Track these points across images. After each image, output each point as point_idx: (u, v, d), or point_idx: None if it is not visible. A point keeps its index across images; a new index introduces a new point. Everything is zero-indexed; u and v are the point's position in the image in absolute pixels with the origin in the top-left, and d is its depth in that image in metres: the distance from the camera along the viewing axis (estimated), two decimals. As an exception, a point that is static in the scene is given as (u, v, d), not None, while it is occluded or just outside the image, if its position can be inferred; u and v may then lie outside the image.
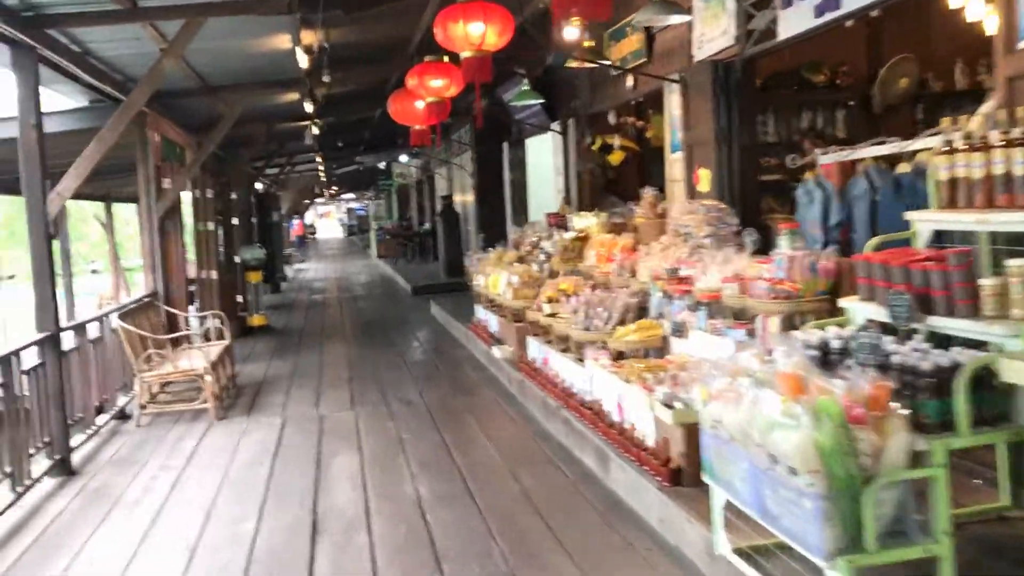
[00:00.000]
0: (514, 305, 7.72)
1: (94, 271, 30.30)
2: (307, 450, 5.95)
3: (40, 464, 5.42)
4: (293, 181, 29.73)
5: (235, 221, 14.59)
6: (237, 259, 12.91)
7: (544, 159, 11.51)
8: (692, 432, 4.15)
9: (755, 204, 6.26)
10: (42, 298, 5.45)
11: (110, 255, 18.46)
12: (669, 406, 4.27)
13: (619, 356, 5.36)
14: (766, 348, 3.81)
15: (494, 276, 8.52)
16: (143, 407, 6.99)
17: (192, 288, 12.61)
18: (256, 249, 12.61)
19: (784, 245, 4.75)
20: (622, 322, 5.57)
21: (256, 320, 12.49)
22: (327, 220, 73.49)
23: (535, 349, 6.89)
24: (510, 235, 13.11)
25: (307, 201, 46.45)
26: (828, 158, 5.47)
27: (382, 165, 28.45)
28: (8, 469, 4.85)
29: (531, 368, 6.77)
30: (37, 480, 5.26)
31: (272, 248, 18.97)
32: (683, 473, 4.24)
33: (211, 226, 11.82)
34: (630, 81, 7.99)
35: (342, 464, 5.60)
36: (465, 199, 17.73)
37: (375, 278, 21.43)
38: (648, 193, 6.96)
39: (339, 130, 15.79)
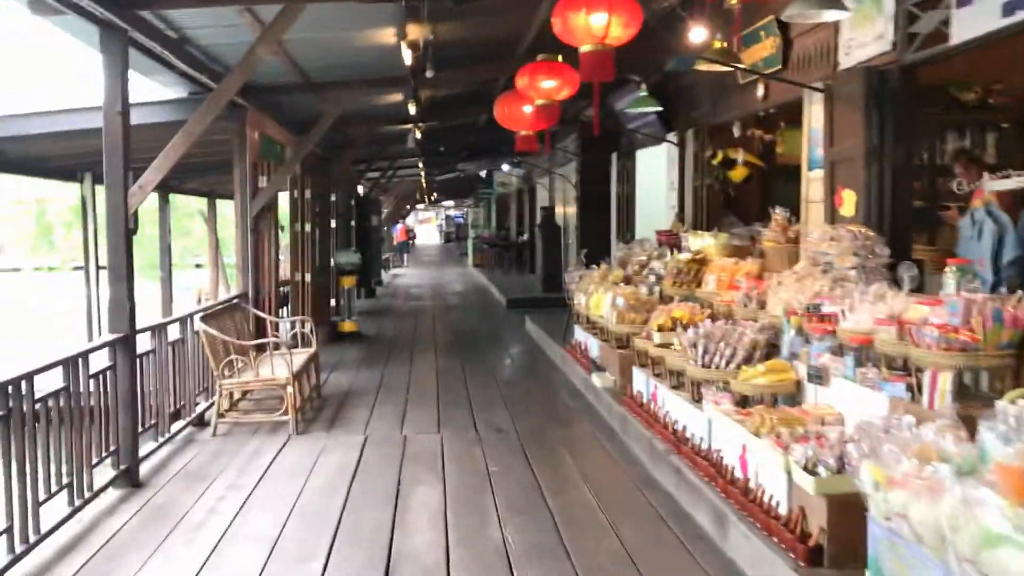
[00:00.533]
0: (619, 330, 7.06)
1: (198, 265, 31.02)
2: (387, 477, 5.43)
3: (105, 473, 5.07)
4: (394, 186, 29.77)
5: (333, 224, 14.38)
6: (332, 263, 12.66)
7: (655, 173, 10.81)
8: (840, 507, 3.44)
9: (907, 233, 5.44)
10: (117, 297, 5.11)
11: (210, 251, 18.65)
12: (811, 471, 3.56)
13: (743, 401, 4.64)
14: (936, 410, 3.07)
15: (597, 296, 7.89)
16: (221, 415, 6.63)
17: (284, 290, 12.43)
18: (352, 254, 12.32)
19: (951, 285, 3.98)
20: (748, 360, 4.85)
21: (347, 326, 12.18)
22: (427, 226, 74.22)
23: (641, 382, 6.21)
24: (614, 252, 12.47)
25: (408, 206, 46.77)
26: (1005, 184, 4.64)
27: (483, 173, 28.16)
28: (67, 480, 4.48)
29: (636, 403, 6.10)
30: (100, 491, 4.90)
31: (370, 252, 18.79)
32: (824, 553, 3.52)
33: (308, 228, 11.57)
34: (760, 90, 7.24)
35: (423, 498, 5.05)
36: (566, 211, 17.13)
37: (470, 287, 21.06)
38: (778, 214, 6.21)
39: (442, 135, 15.44)
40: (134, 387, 5.26)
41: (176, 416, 6.49)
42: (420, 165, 21.11)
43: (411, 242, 53.63)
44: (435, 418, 7.08)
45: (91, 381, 4.85)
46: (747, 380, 4.61)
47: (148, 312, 17.16)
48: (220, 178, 13.18)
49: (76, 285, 12.06)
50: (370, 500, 5.02)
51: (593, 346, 8.04)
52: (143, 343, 5.84)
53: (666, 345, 5.74)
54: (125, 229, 5.13)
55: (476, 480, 5.38)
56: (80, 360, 4.63)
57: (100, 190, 15.63)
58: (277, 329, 8.43)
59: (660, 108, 8.53)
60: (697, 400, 5.08)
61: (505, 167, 25.63)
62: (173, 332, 6.51)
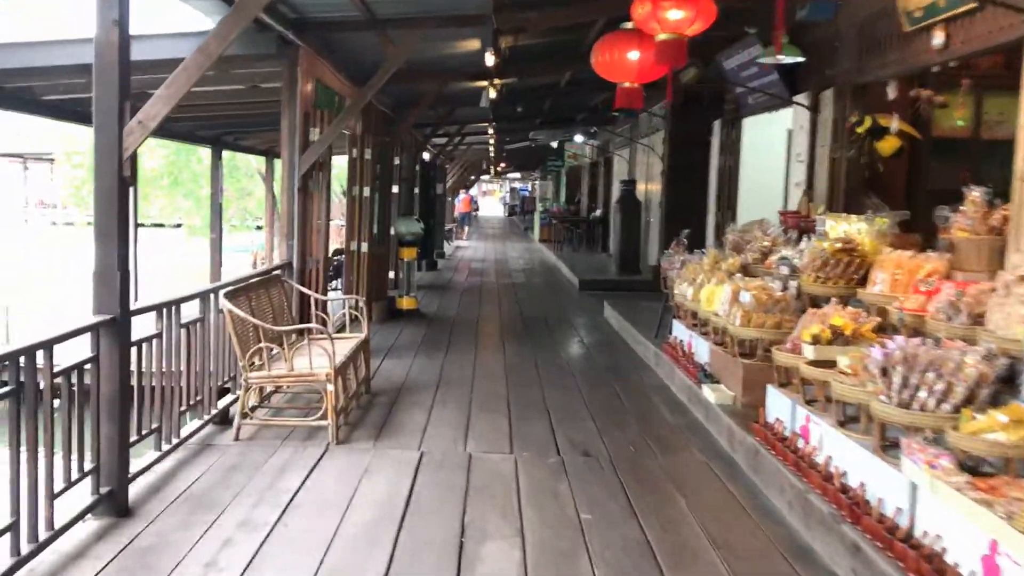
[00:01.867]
0: (743, 334, 5.62)
1: (259, 227, 30.16)
2: (446, 523, 4.11)
3: (81, 497, 3.85)
4: (461, 154, 28.48)
5: (395, 190, 13.11)
6: (392, 232, 11.39)
7: (770, 142, 9.27)
8: None
9: None
10: (103, 266, 3.85)
11: (267, 212, 17.58)
12: None
13: (970, 465, 3.18)
14: None
15: (710, 289, 6.43)
16: (246, 414, 5.39)
17: (338, 260, 11.20)
18: (413, 223, 11.02)
19: None
20: (968, 401, 3.38)
21: (405, 303, 10.92)
22: (490, 198, 72.94)
23: (783, 407, 4.76)
24: (709, 231, 10.93)
25: (472, 177, 45.52)
26: None
27: (554, 144, 26.67)
28: (11, 519, 3.26)
29: (775, 436, 4.65)
30: (71, 524, 3.69)
31: (433, 222, 17.55)
32: None
33: (367, 192, 10.30)
34: (939, 37, 5.65)
35: (494, 560, 3.72)
36: (648, 186, 15.59)
37: (537, 264, 19.66)
38: (975, 195, 4.67)
39: (517, 97, 14.00)
40: (125, 386, 4.02)
41: (192, 410, 5.28)
42: (490, 131, 19.71)
43: (474, 213, 52.51)
44: (506, 430, 5.74)
45: (62, 379, 3.62)
46: (980, 433, 3.14)
47: (195, 276, 16.10)
48: (278, 135, 12.02)
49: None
50: (422, 559, 3.70)
51: (700, 348, 6.60)
52: (147, 326, 4.61)
53: (825, 364, 4.29)
54: (119, 177, 3.86)
55: (565, 534, 4.02)
56: (40, 352, 3.38)
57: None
58: (324, 308, 7.17)
59: (802, 58, 6.99)
60: (887, 449, 3.64)
61: (579, 138, 24.14)
62: (192, 311, 5.28)
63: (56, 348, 3.50)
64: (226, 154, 22.16)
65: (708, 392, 5.86)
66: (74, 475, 3.75)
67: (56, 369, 3.53)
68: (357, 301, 6.92)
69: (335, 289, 11.72)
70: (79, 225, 23.94)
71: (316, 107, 7.68)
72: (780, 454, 4.46)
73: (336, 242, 12.96)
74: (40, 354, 3.39)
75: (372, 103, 11.05)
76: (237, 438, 5.29)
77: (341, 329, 6.89)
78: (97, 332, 3.86)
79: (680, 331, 7.25)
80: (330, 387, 5.29)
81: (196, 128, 13.18)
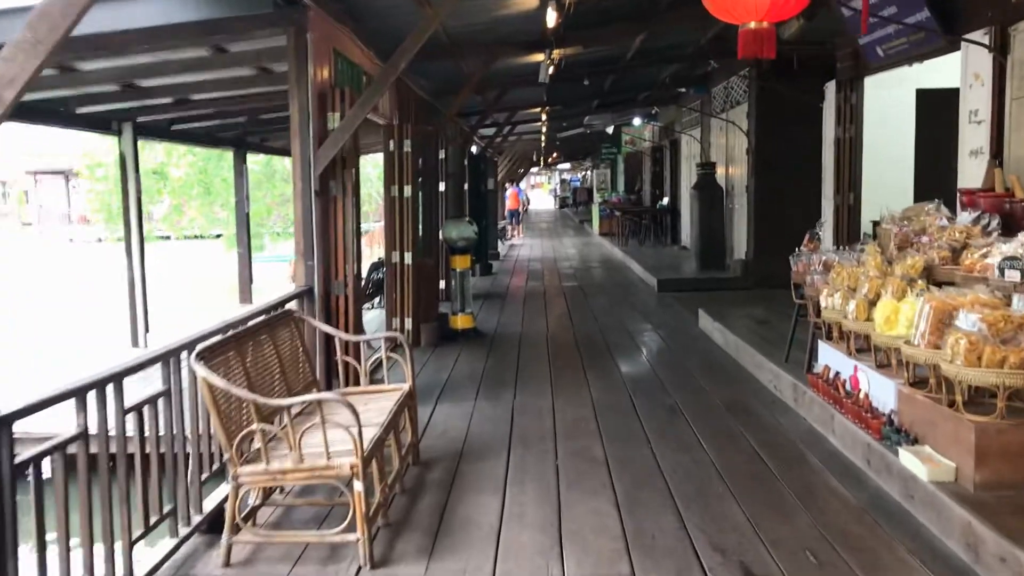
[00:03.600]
0: (972, 377, 3.74)
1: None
2: None
3: None
4: (509, 145, 26.73)
5: (441, 188, 11.40)
6: (441, 237, 9.66)
7: (897, 106, 7.33)
8: None
9: None
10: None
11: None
12: None
13: None
14: None
15: (890, 303, 4.55)
16: (237, 528, 3.68)
17: (378, 274, 9.49)
18: (465, 226, 9.26)
19: None
20: None
21: (460, 321, 9.19)
22: (539, 191, 71.04)
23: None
24: (824, 221, 8.97)
25: (521, 170, 43.78)
26: None
27: (610, 129, 24.77)
28: None
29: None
30: None
31: (485, 222, 15.82)
32: None
33: (408, 192, 8.61)
34: None
35: None
36: (731, 169, 13.63)
37: (602, 262, 17.77)
38: None
39: (577, 74, 12.16)
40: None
41: (162, 520, 3.62)
42: (543, 117, 17.89)
43: (524, 209, 50.88)
44: (617, 529, 3.94)
45: None
46: None
47: (229, 291, 14.40)
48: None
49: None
50: None
51: (879, 388, 4.72)
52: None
53: None
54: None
55: None
56: None
57: (144, 144, 12.95)
58: (357, 352, 5.45)
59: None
60: None
61: (637, 120, 22.18)
62: (154, 380, 3.59)
63: None
64: (261, 157, 20.75)
65: (910, 460, 3.99)
66: None
67: None
68: (397, 340, 5.17)
69: (377, 307, 10.03)
70: (110, 241, 22.71)
71: (337, 87, 5.98)
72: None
73: (374, 253, 11.30)
74: None
75: (409, 86, 9.37)
76: (227, 563, 3.60)
77: (378, 371, 5.18)
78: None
79: (833, 358, 5.37)
80: (358, 485, 3.56)
81: (215, 129, 11.62)
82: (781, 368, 6.20)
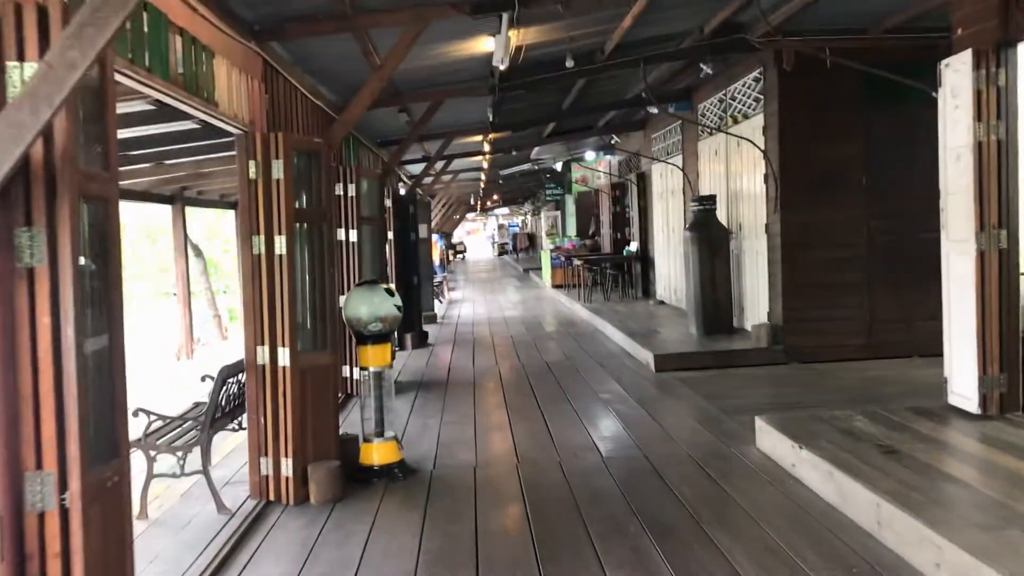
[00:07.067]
0: None
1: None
2: None
3: None
4: (443, 188, 23.40)
5: (346, 236, 7.94)
6: (343, 315, 6.05)
7: None
8: None
9: None
10: None
11: (179, 278, 12.29)
12: None
13: None
14: None
15: None
16: None
17: (231, 384, 5.80)
18: (381, 296, 5.73)
19: None
20: None
21: (378, 453, 5.66)
22: (474, 237, 67.83)
23: None
24: (956, 275, 5.71)
25: (457, 216, 40.54)
26: None
27: (558, 166, 21.67)
28: None
29: None
30: None
31: (417, 279, 12.33)
32: None
33: (282, 245, 5.15)
34: None
35: None
36: (738, 204, 10.45)
37: (563, 324, 14.32)
38: None
39: (538, 73, 8.86)
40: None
41: None
42: (485, 148, 14.59)
43: (457, 259, 47.52)
44: None
45: None
46: None
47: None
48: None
49: None
50: None
51: None
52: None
53: None
54: None
55: None
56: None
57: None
58: None
59: None
60: None
61: (590, 154, 19.17)
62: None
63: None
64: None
65: None
66: None
67: None
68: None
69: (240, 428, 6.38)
70: None
71: None
72: None
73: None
74: None
75: (281, 73, 5.94)
76: None
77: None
78: None
79: None
80: None
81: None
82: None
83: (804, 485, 4.99)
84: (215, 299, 17.90)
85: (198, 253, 17.83)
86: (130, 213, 22.43)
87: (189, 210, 12.54)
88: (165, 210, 12.18)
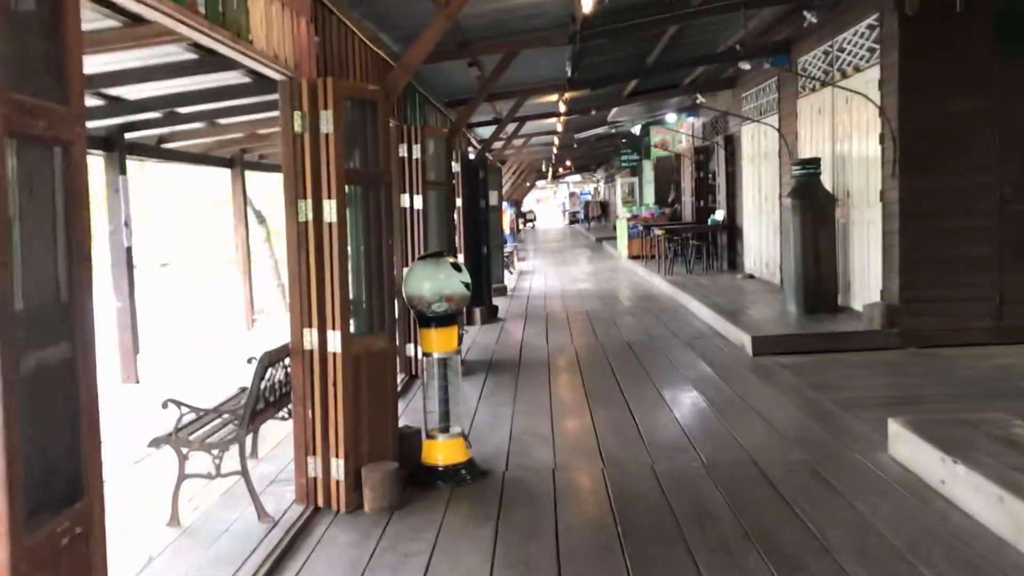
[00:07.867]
0: None
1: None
2: None
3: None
4: (515, 153, 22.55)
5: (411, 203, 7.20)
6: (403, 292, 5.29)
7: None
8: None
9: None
10: None
11: (239, 248, 11.75)
12: None
13: None
14: None
15: None
16: None
17: (275, 372, 5.10)
18: (448, 271, 4.96)
19: None
20: None
21: (443, 452, 4.92)
22: (544, 206, 66.78)
23: None
24: None
25: (528, 184, 39.67)
26: None
27: (636, 129, 20.56)
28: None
29: None
30: None
31: (487, 251, 11.56)
32: None
33: (332, 211, 4.40)
34: None
35: None
36: (845, 168, 9.36)
37: (641, 298, 13.38)
38: None
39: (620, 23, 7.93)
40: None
41: None
42: (560, 108, 13.67)
43: (525, 229, 46.63)
44: None
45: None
46: None
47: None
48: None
49: None
50: None
51: None
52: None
53: None
54: None
55: None
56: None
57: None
58: None
59: None
60: None
61: (671, 117, 18.09)
62: None
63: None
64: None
65: None
66: None
67: None
68: None
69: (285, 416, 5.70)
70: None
71: None
72: None
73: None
74: None
75: (335, 13, 5.16)
76: None
77: None
78: None
79: None
80: None
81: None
82: None
83: (960, 509, 4.06)
84: (279, 268, 17.37)
85: (261, 220, 17.32)
86: (199, 179, 22.16)
87: (250, 175, 11.99)
88: (227, 175, 11.61)
